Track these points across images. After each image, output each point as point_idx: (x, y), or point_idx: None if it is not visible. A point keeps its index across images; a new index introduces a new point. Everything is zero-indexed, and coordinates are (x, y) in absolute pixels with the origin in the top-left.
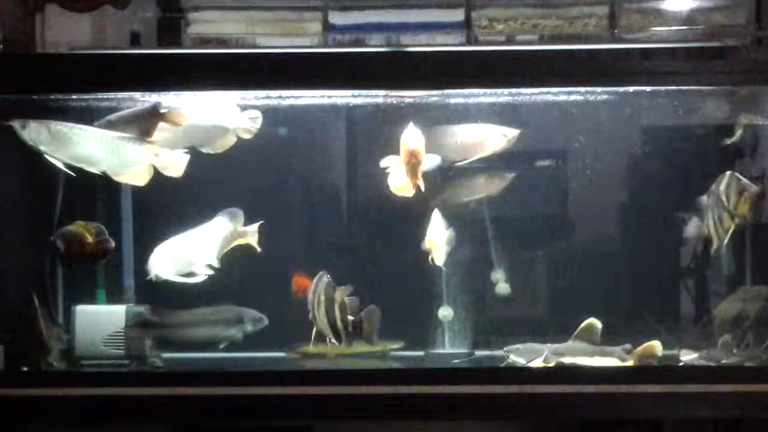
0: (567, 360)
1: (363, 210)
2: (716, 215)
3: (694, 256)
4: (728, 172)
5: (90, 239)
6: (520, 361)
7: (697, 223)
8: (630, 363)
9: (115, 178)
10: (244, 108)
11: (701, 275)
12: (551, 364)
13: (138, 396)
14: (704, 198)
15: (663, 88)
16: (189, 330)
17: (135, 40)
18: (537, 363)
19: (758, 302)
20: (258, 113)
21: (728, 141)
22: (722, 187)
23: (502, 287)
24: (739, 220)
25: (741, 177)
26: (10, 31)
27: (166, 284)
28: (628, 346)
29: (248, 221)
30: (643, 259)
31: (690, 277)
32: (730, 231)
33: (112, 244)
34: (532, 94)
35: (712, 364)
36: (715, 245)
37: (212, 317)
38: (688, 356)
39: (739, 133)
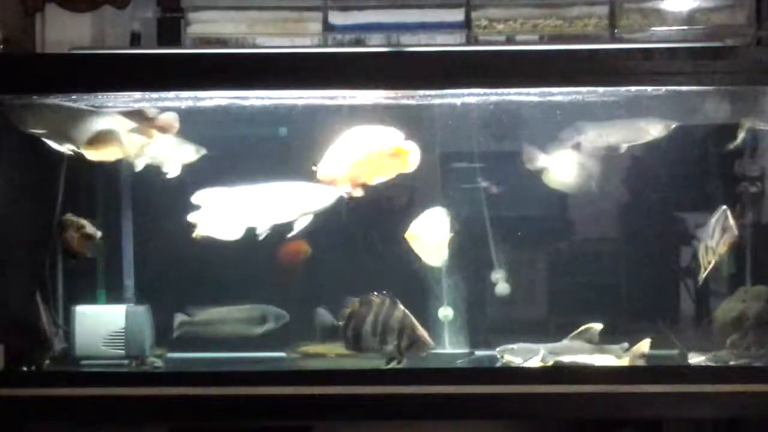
0: (563, 359)
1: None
2: (704, 246)
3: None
4: (723, 207)
5: (74, 233)
6: (515, 361)
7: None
8: (625, 361)
9: (88, 155)
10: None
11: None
12: (548, 364)
13: (138, 396)
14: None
15: (663, 88)
16: (216, 327)
17: (135, 40)
18: (532, 363)
19: (758, 302)
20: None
21: (730, 144)
22: (713, 220)
23: (502, 287)
24: (718, 258)
25: (730, 216)
26: (10, 31)
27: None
28: (625, 344)
29: None
30: (648, 261)
31: (693, 279)
32: (710, 266)
33: (97, 234)
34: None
35: (719, 365)
36: (701, 273)
37: (237, 315)
38: (696, 358)
39: (741, 136)
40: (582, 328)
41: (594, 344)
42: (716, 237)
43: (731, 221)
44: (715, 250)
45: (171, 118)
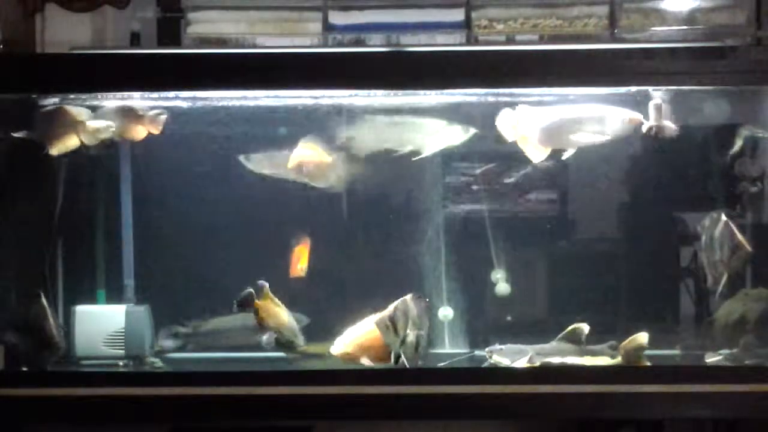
0: (551, 360)
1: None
2: (711, 259)
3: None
4: (723, 219)
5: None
6: (503, 361)
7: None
8: (618, 359)
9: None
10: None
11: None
12: (536, 364)
13: (138, 396)
14: (704, 223)
15: (663, 88)
16: (217, 336)
17: (135, 40)
18: (521, 363)
19: (759, 304)
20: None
21: (729, 152)
22: (717, 233)
23: (502, 287)
24: (732, 271)
25: (735, 230)
26: (10, 31)
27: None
28: (613, 343)
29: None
30: (657, 261)
31: (694, 281)
32: (724, 279)
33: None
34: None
35: (737, 364)
36: (709, 282)
37: (240, 323)
38: (712, 358)
39: (739, 144)
40: (569, 328)
41: (581, 345)
42: (726, 253)
43: (739, 236)
44: (726, 264)
45: (158, 116)
